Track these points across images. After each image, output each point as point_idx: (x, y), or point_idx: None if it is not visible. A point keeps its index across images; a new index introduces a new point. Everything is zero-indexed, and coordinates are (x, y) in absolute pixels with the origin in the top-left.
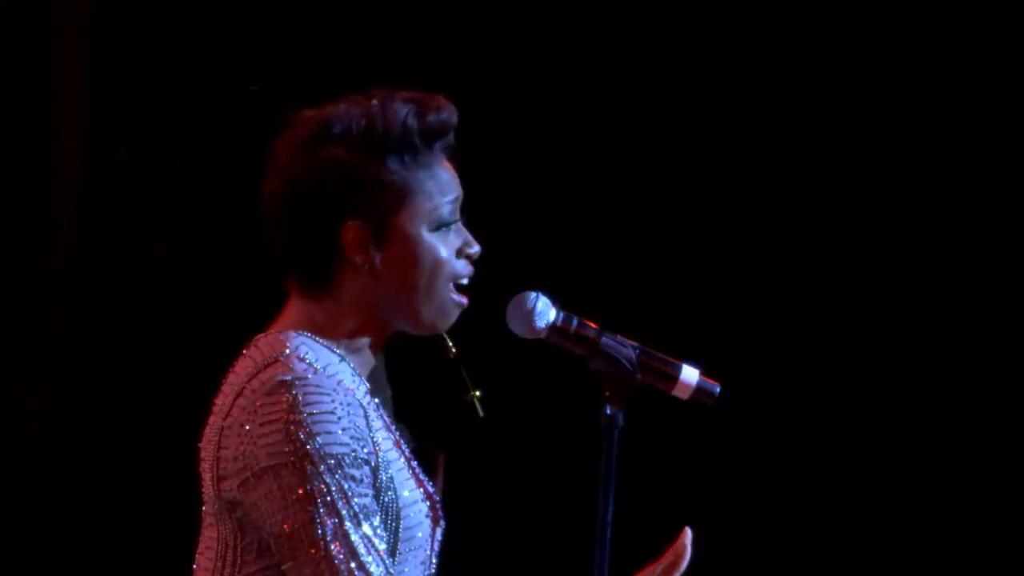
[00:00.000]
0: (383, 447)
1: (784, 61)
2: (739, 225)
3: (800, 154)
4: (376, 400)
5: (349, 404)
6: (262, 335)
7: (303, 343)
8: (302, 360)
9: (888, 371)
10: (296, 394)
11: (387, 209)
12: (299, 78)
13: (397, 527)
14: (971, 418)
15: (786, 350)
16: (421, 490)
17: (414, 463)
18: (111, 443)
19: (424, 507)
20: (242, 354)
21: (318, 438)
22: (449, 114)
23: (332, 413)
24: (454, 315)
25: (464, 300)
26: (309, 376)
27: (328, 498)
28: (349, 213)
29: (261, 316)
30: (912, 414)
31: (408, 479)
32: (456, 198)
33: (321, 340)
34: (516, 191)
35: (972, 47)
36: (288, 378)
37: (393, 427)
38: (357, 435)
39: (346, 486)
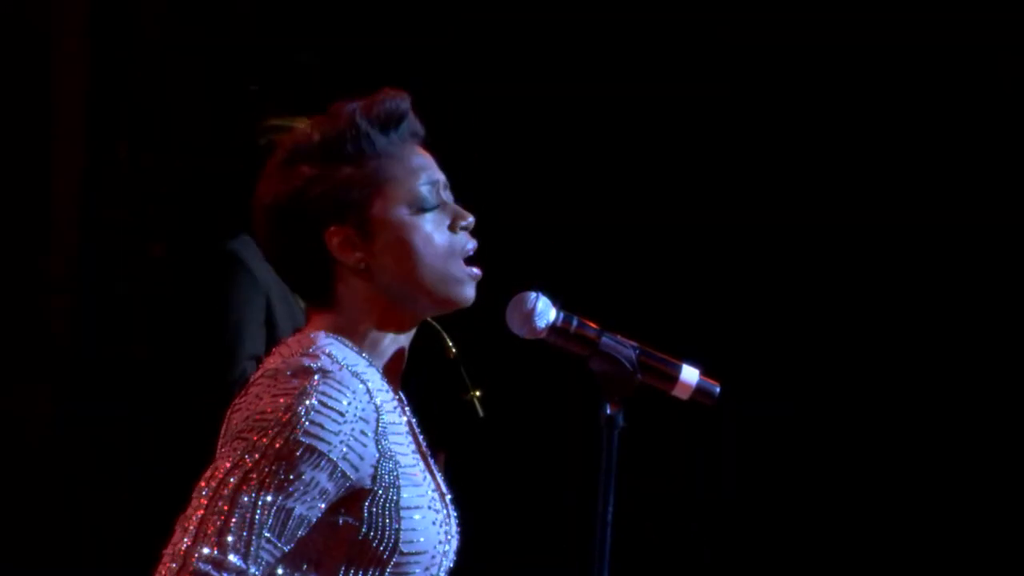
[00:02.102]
0: (397, 452)
1: (784, 61)
2: (739, 225)
3: (800, 154)
4: (401, 400)
5: (363, 411)
6: (291, 336)
7: (332, 343)
8: (330, 357)
9: (888, 371)
10: (318, 380)
11: (361, 204)
12: (299, 78)
13: (396, 540)
14: (971, 418)
15: (786, 350)
16: (439, 502)
17: (439, 476)
18: (111, 443)
19: (435, 516)
20: (271, 352)
21: (307, 424)
22: (396, 101)
23: (341, 414)
24: (470, 287)
25: (476, 271)
26: (336, 371)
27: (263, 470)
28: (328, 221)
29: None
30: (912, 414)
31: (422, 485)
32: (433, 179)
33: (348, 344)
34: (516, 191)
35: (972, 47)
36: (315, 366)
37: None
38: (350, 444)
39: (287, 476)
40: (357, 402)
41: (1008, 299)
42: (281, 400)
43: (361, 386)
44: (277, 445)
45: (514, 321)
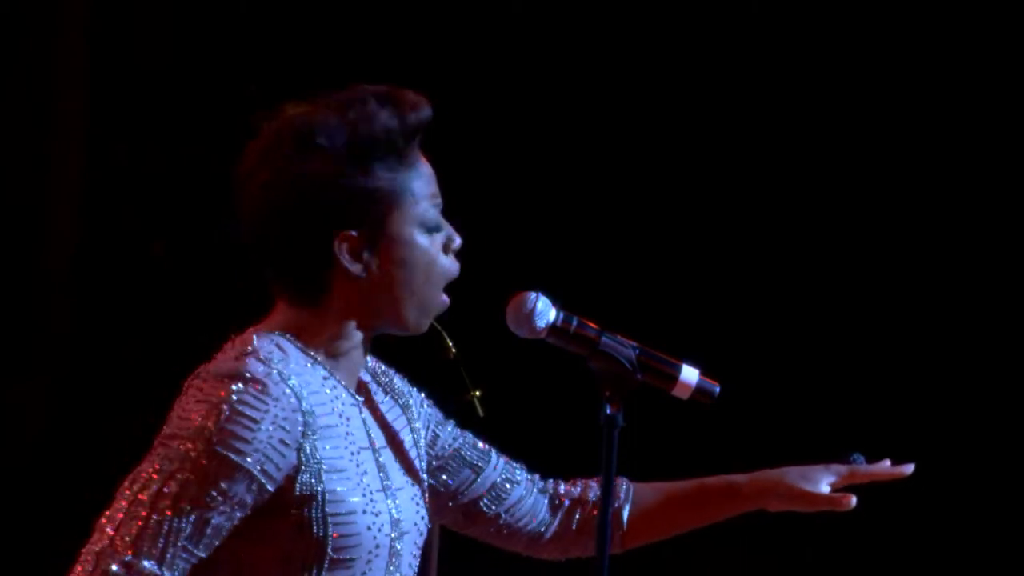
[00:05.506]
0: (327, 456)
1: (784, 61)
2: (739, 225)
3: (800, 154)
4: (359, 400)
5: (284, 419)
6: (241, 333)
7: (272, 343)
8: (261, 361)
9: (888, 371)
10: (237, 388)
11: (378, 215)
12: (298, 78)
13: (325, 545)
14: (972, 418)
15: (786, 350)
16: (383, 499)
17: (388, 467)
18: (111, 443)
19: (374, 519)
20: (219, 348)
21: (222, 434)
22: (426, 109)
23: (257, 423)
24: (435, 316)
25: (448, 301)
26: (260, 377)
27: (181, 478)
28: (341, 224)
29: (258, 316)
30: (913, 414)
31: (358, 488)
32: (439, 197)
33: (299, 343)
34: (516, 191)
35: (972, 47)
36: (240, 371)
37: (404, 417)
38: (267, 453)
39: (204, 485)
40: (277, 410)
41: (1008, 299)
42: (201, 406)
43: (287, 392)
44: (193, 454)
45: (514, 321)
